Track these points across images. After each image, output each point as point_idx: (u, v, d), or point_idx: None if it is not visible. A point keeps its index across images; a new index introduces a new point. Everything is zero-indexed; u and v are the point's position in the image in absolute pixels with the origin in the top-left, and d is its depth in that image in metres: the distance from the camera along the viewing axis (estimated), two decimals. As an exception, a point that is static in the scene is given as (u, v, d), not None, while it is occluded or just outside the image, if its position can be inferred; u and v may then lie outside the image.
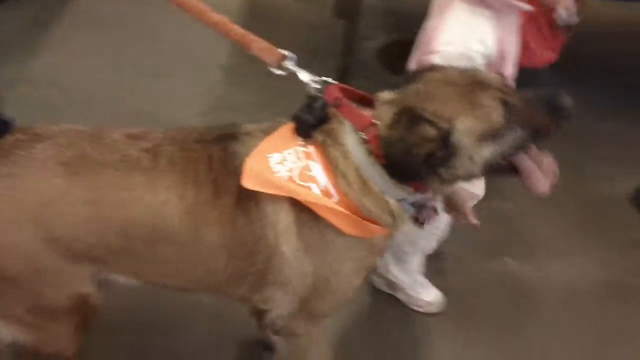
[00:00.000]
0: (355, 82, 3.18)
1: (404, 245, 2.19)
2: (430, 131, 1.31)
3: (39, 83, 3.11)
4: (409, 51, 3.64)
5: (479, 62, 1.67)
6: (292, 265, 1.49)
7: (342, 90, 1.46)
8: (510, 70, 1.77)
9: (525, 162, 1.44)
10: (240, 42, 1.58)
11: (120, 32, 3.48)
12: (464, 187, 1.76)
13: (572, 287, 2.38)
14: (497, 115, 1.33)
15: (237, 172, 1.38)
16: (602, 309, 2.29)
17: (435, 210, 1.53)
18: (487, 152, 1.36)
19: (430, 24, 1.79)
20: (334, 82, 1.48)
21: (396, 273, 2.29)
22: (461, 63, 1.58)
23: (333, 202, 1.38)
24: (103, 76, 3.15)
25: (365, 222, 1.41)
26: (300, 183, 1.37)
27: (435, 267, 2.36)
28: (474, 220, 1.82)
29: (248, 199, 1.42)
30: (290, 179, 1.37)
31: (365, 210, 1.41)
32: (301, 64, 3.46)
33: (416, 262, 2.29)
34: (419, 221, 1.50)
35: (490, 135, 1.34)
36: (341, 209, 1.38)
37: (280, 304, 1.58)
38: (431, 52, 1.72)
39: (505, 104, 1.35)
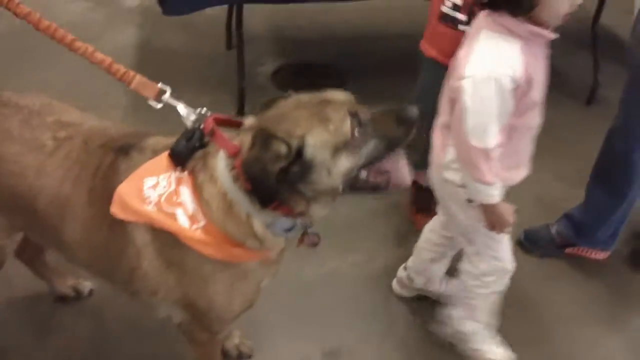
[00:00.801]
0: (254, 103, 3.45)
1: (470, 287, 2.13)
2: (283, 148, 1.34)
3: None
4: (297, 72, 3.94)
5: (507, 86, 1.69)
6: (155, 279, 1.57)
7: (219, 120, 1.52)
8: (538, 95, 1.79)
9: (385, 165, 1.50)
10: (123, 79, 1.64)
11: (15, 87, 3.55)
12: (505, 203, 1.85)
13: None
14: (346, 127, 1.38)
15: (111, 190, 1.49)
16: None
17: (317, 236, 1.60)
18: (343, 163, 1.39)
19: (460, 53, 1.81)
20: (208, 112, 1.55)
21: (462, 322, 2.20)
22: (490, 87, 1.68)
23: (193, 230, 1.43)
24: None
25: (228, 246, 1.46)
26: (166, 209, 1.44)
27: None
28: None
29: (113, 219, 1.50)
30: (158, 203, 1.44)
31: (229, 235, 1.45)
32: (200, 93, 3.71)
33: (486, 309, 2.18)
34: (305, 244, 1.59)
35: (344, 147, 1.38)
36: (200, 236, 1.44)
37: (165, 310, 1.68)
38: (460, 78, 1.74)
39: (354, 116, 1.41)
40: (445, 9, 2.28)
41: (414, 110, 1.49)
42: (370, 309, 2.44)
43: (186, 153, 1.48)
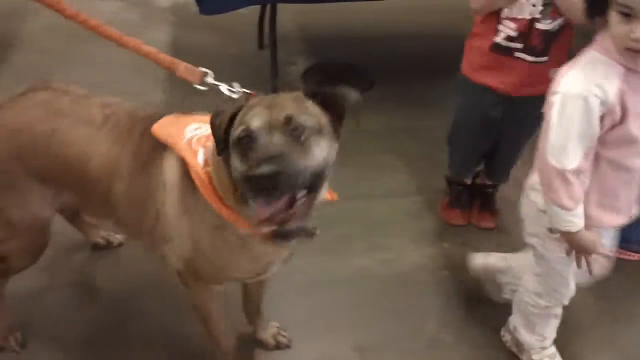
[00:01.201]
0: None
1: (524, 301, 2.11)
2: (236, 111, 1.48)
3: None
4: (328, 72, 3.96)
5: (595, 108, 1.64)
6: (172, 223, 1.71)
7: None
8: (636, 132, 1.71)
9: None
10: (169, 68, 1.85)
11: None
12: (590, 233, 1.78)
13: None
14: (255, 124, 1.46)
15: (153, 143, 1.70)
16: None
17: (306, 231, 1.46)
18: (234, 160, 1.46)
19: (562, 69, 1.76)
20: (249, 91, 1.73)
21: (519, 331, 2.17)
22: (577, 105, 1.63)
23: (202, 170, 1.57)
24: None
25: (218, 201, 1.55)
26: (193, 146, 1.61)
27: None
28: (593, 270, 1.83)
29: (152, 164, 1.71)
30: (190, 140, 1.62)
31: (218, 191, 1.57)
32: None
33: (551, 323, 2.13)
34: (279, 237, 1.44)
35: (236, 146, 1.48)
36: (204, 178, 1.56)
37: (171, 259, 1.79)
38: (553, 94, 1.71)
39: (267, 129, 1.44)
40: (499, 39, 2.33)
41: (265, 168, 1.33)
42: (400, 308, 2.44)
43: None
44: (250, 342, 2.24)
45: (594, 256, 1.83)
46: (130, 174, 1.74)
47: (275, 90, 3.45)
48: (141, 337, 2.24)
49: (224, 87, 1.79)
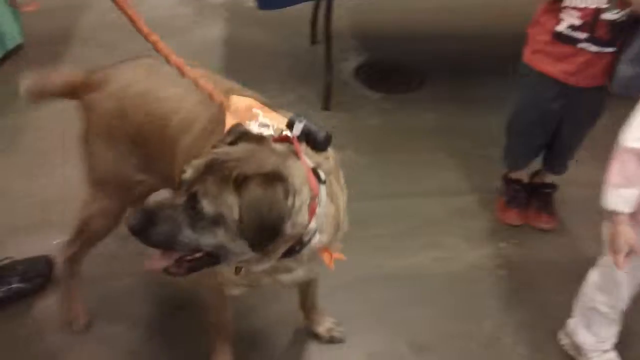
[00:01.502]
0: (338, 98, 3.48)
1: (581, 294, 2.10)
2: None
3: (38, 131, 3.32)
4: (380, 69, 3.94)
5: None
6: None
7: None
8: None
9: None
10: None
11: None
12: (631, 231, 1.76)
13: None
14: None
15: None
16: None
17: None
18: None
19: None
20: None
21: (577, 333, 2.14)
22: None
23: None
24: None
25: None
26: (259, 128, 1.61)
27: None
28: (620, 267, 1.79)
29: (216, 134, 1.66)
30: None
31: None
32: (285, 90, 3.80)
33: (611, 326, 2.09)
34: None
35: None
36: None
37: None
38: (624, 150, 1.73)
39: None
40: (561, 28, 2.28)
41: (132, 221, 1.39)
42: (456, 307, 2.41)
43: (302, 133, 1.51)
44: (304, 336, 2.26)
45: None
46: (200, 132, 1.78)
47: (329, 85, 3.45)
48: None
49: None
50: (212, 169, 1.36)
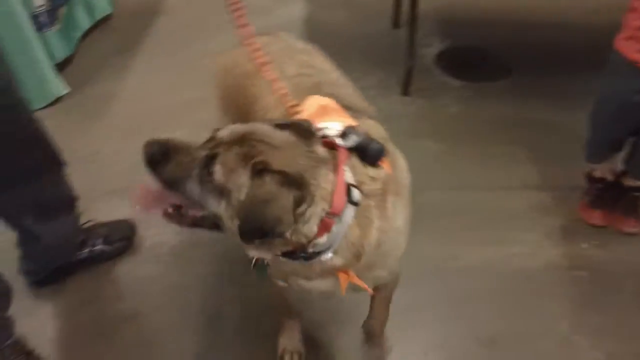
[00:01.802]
0: (418, 84, 3.42)
1: None
2: None
3: (127, 99, 3.43)
4: (462, 56, 3.86)
5: None
6: None
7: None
8: None
9: None
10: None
11: (194, 54, 3.77)
12: None
13: None
14: None
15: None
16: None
17: None
18: None
19: None
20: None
21: None
22: None
23: None
24: (184, 92, 3.42)
25: None
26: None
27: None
28: None
29: None
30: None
31: None
32: (365, 73, 3.76)
33: None
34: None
35: None
36: None
37: None
38: None
39: None
40: None
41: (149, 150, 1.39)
42: (531, 304, 2.35)
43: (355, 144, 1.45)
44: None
45: None
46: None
47: (410, 70, 3.40)
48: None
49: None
50: (244, 141, 1.33)
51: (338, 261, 1.43)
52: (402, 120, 3.23)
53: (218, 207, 1.32)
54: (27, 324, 2.17)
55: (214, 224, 1.38)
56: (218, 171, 1.30)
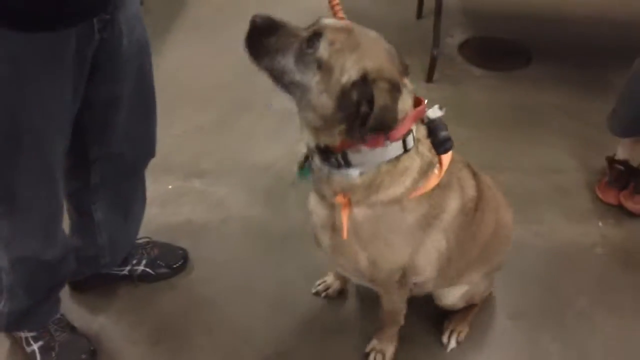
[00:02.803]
0: (442, 72, 3.54)
1: None
2: None
3: (161, 81, 3.53)
4: (484, 46, 3.96)
5: None
6: None
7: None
8: None
9: None
10: None
11: (226, 37, 3.88)
12: None
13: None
14: None
15: None
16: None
17: None
18: None
19: None
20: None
21: None
22: None
23: None
24: (215, 74, 3.54)
25: None
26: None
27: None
28: None
29: None
30: None
31: None
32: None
33: None
34: None
35: None
36: None
37: None
38: None
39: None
40: None
41: (258, 19, 1.48)
42: (552, 280, 2.45)
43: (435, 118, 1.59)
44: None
45: None
46: None
47: (434, 58, 3.51)
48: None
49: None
50: (350, 32, 1.41)
51: (357, 181, 1.51)
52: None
53: (311, 79, 1.39)
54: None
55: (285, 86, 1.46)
56: (323, 46, 1.38)
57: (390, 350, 2.11)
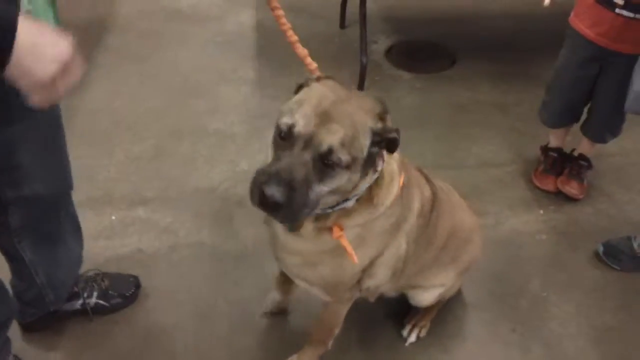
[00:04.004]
0: (371, 79, 3.60)
1: None
2: None
3: (89, 112, 3.44)
4: (409, 50, 4.05)
5: None
6: None
7: None
8: None
9: None
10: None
11: (153, 64, 3.83)
12: None
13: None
14: None
15: None
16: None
17: None
18: None
19: None
20: None
21: None
22: None
23: None
24: (147, 101, 3.47)
25: None
26: None
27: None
28: None
29: None
30: None
31: None
32: (321, 71, 3.82)
33: None
34: None
35: None
36: None
37: None
38: None
39: None
40: None
41: (268, 191, 1.30)
42: (503, 269, 2.54)
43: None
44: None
45: None
46: None
47: (364, 67, 3.56)
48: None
49: None
50: (329, 116, 1.34)
51: (353, 205, 1.52)
52: (361, 113, 3.38)
53: (341, 180, 1.38)
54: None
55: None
56: (343, 155, 1.33)
57: None
